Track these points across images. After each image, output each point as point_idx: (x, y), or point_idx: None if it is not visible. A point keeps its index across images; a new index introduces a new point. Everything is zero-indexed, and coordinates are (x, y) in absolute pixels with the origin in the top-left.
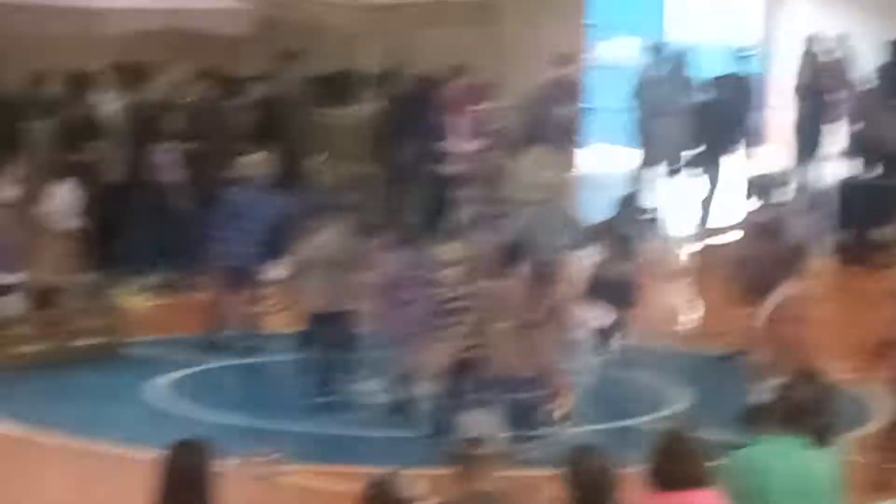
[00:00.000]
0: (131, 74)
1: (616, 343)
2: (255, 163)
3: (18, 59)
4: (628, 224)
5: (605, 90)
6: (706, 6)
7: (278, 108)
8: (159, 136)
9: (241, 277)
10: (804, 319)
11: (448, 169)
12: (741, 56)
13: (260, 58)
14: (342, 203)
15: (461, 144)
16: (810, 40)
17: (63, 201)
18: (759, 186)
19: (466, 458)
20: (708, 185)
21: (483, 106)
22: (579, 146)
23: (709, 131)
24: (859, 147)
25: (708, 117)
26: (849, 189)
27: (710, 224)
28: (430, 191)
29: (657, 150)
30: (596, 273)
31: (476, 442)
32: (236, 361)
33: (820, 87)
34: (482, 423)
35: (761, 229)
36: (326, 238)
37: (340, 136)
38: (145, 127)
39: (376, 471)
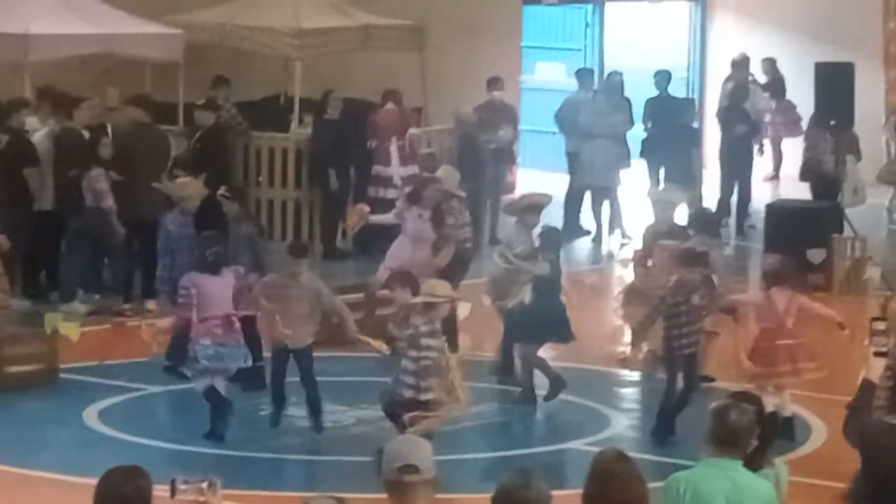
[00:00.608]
0: (61, 100)
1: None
2: (190, 187)
3: None
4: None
5: (539, 113)
6: (640, 29)
7: (212, 133)
8: (89, 162)
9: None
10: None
11: (380, 193)
12: (669, 78)
13: (192, 83)
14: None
15: (392, 169)
16: (737, 63)
17: None
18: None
19: (399, 484)
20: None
21: (414, 131)
22: (516, 169)
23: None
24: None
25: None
26: (777, 212)
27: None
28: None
29: (586, 173)
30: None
31: (408, 468)
32: (173, 386)
33: (746, 109)
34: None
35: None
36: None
37: (275, 161)
38: (75, 153)
39: (308, 495)
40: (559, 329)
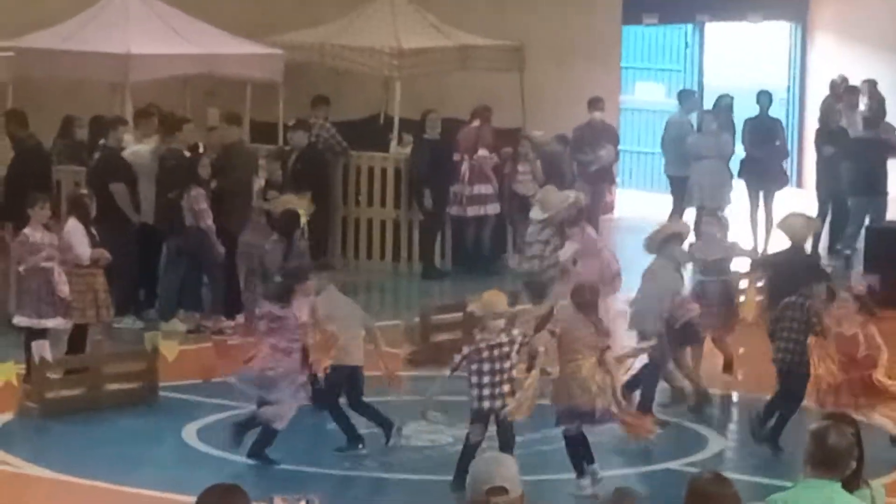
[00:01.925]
0: (164, 119)
1: None
2: (294, 204)
3: (54, 105)
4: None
5: (639, 134)
6: (740, 49)
7: (310, 152)
8: (189, 182)
9: None
10: None
11: (453, 210)
12: (771, 99)
13: (292, 103)
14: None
15: (471, 188)
16: (836, 84)
17: (82, 242)
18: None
19: None
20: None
21: (504, 150)
22: (615, 189)
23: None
24: None
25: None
26: (874, 232)
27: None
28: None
29: (695, 194)
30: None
31: (496, 490)
32: None
33: (842, 130)
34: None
35: None
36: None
37: (374, 180)
38: (176, 173)
39: None
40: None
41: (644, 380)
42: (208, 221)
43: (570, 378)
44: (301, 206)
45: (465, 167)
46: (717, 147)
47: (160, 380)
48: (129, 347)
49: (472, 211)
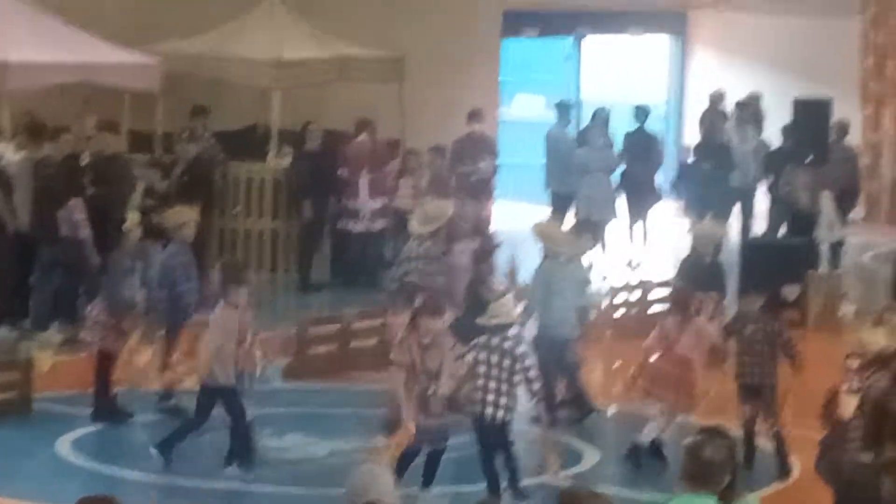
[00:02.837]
0: (39, 129)
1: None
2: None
3: None
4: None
5: (518, 146)
6: (620, 63)
7: (197, 164)
8: (65, 191)
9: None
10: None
11: (348, 226)
12: (647, 114)
13: (171, 113)
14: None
15: (360, 203)
16: (715, 97)
17: None
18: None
19: None
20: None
21: (390, 164)
22: (493, 202)
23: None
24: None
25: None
26: (754, 248)
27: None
28: (339, 247)
29: (583, 208)
30: None
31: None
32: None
33: (725, 144)
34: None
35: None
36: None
37: (252, 191)
38: (50, 181)
39: None
40: None
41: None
42: (86, 232)
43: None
44: (192, 217)
45: (363, 182)
46: (604, 161)
47: (34, 390)
48: (1, 357)
49: (361, 226)
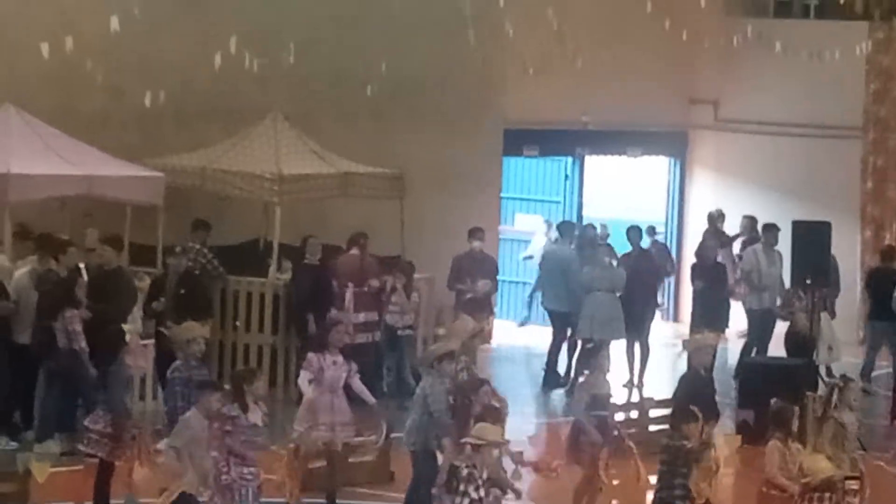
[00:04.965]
0: (39, 240)
1: None
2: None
3: None
4: None
5: (518, 264)
6: (619, 183)
7: (192, 277)
8: (64, 304)
9: None
10: None
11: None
12: (641, 234)
13: (173, 227)
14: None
15: (344, 315)
16: (713, 217)
17: None
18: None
19: None
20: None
21: (381, 279)
22: (493, 319)
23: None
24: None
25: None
26: (752, 368)
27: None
28: None
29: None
30: None
31: None
32: None
33: (723, 263)
34: None
35: None
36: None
37: (252, 306)
38: (52, 294)
39: None
40: None
41: None
42: (82, 344)
43: None
44: (202, 333)
45: (349, 294)
46: (611, 280)
47: (31, 501)
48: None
49: (358, 338)
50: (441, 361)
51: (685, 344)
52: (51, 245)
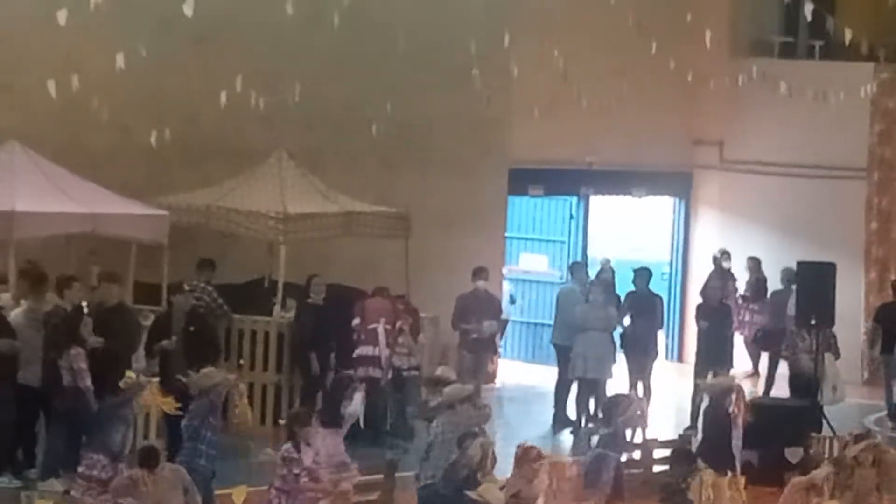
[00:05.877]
0: (40, 279)
1: None
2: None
3: None
4: None
5: (522, 304)
6: (624, 223)
7: (199, 316)
8: (69, 341)
9: None
10: None
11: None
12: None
13: (177, 265)
14: None
15: (380, 350)
16: (719, 256)
17: None
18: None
19: None
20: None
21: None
22: (497, 359)
23: (625, 347)
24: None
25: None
26: (753, 409)
27: None
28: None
29: (579, 366)
30: None
31: None
32: None
33: (728, 303)
34: None
35: None
36: None
37: (256, 344)
38: (57, 331)
39: None
40: None
41: None
42: (87, 382)
43: None
44: (226, 379)
45: (381, 329)
46: (603, 320)
47: None
48: None
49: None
50: (462, 403)
51: (702, 386)
52: (43, 282)
